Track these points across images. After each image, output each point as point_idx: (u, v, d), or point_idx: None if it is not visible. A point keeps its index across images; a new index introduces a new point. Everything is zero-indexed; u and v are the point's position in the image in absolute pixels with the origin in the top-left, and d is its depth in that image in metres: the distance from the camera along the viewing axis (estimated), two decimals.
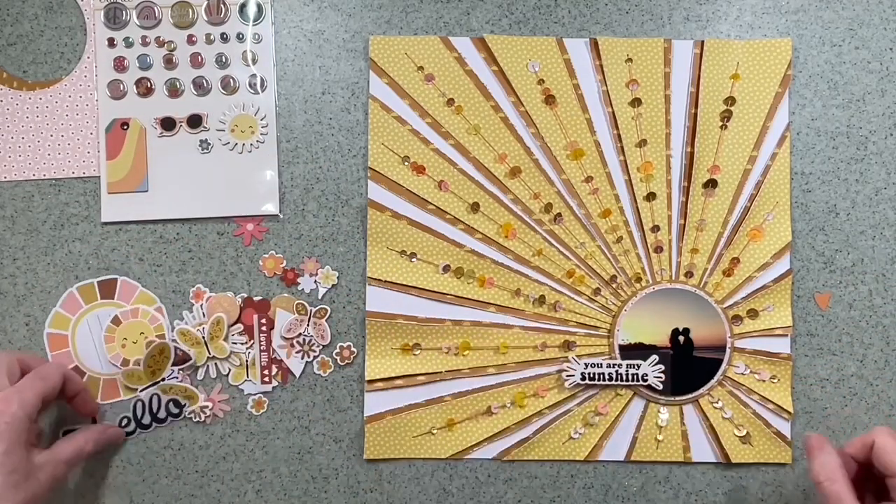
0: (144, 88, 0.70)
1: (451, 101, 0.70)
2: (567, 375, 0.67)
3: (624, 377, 0.67)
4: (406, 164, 0.69)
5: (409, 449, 0.69)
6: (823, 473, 0.56)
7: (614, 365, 0.67)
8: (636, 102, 0.69)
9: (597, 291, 0.69)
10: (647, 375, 0.65)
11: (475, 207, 0.69)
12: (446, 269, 0.69)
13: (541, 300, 0.69)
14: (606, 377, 0.67)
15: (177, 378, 0.68)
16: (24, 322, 0.69)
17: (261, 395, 0.69)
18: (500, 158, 0.70)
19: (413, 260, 0.69)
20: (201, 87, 0.69)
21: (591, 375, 0.67)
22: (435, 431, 0.69)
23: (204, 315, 0.69)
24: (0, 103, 0.69)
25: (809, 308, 0.69)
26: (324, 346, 0.69)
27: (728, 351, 0.69)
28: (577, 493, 0.69)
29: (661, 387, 0.67)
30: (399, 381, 0.69)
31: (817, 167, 0.69)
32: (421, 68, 0.69)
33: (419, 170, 0.69)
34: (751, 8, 0.70)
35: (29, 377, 0.60)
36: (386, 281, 0.69)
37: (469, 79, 0.70)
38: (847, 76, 0.70)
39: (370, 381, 0.69)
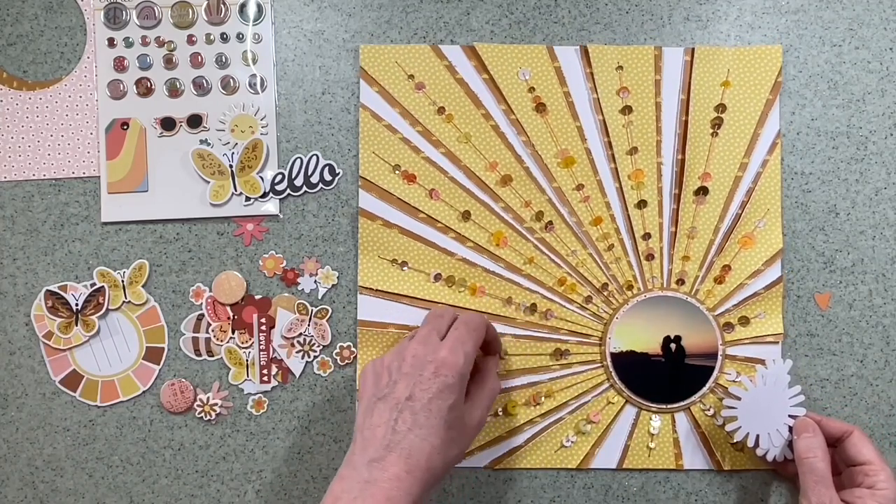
0: (144, 88, 0.70)
1: (441, 110, 0.69)
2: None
3: None
4: (397, 172, 0.69)
5: None
6: (808, 451, 0.62)
7: None
8: (627, 110, 0.69)
9: (588, 299, 0.69)
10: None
11: (466, 216, 0.69)
12: (438, 277, 0.69)
13: (532, 308, 0.69)
14: None
15: None
16: (23, 322, 0.69)
17: (261, 395, 0.69)
18: (491, 166, 0.69)
19: (405, 269, 0.69)
20: (201, 87, 0.70)
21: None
22: None
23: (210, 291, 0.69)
24: (0, 103, 0.69)
25: (809, 308, 0.69)
26: (324, 346, 0.69)
27: (719, 358, 0.69)
28: (577, 493, 0.69)
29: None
30: None
31: (817, 167, 0.69)
32: (411, 76, 0.69)
33: (410, 178, 0.69)
34: (751, 8, 0.70)
35: (462, 329, 0.60)
36: (377, 290, 0.69)
37: (459, 87, 0.69)
38: (847, 76, 0.69)
39: None
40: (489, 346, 0.65)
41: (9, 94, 0.69)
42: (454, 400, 0.57)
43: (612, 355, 0.69)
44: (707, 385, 0.68)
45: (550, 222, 0.69)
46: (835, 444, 0.64)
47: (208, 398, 0.69)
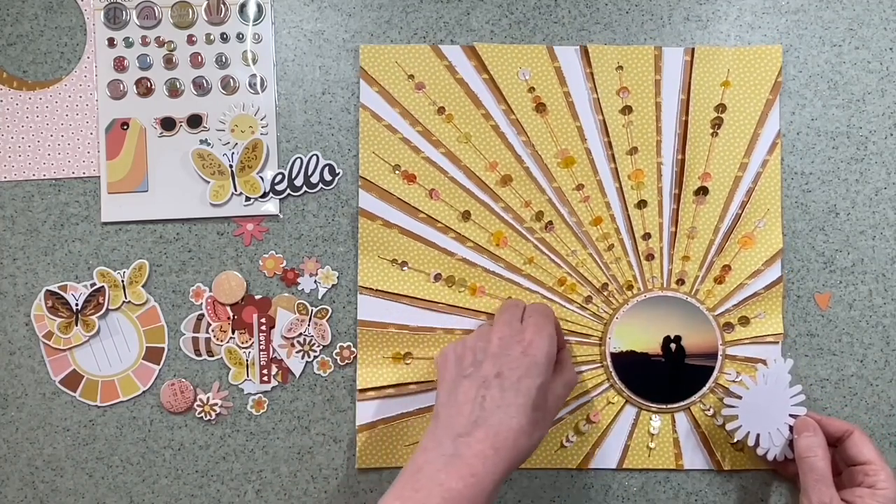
0: (144, 88, 0.70)
1: (441, 110, 0.69)
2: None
3: None
4: (397, 172, 0.69)
5: (401, 458, 0.68)
6: (809, 450, 0.62)
7: None
8: (627, 110, 0.69)
9: (588, 299, 0.69)
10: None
11: (466, 216, 0.69)
12: (438, 277, 0.69)
13: None
14: None
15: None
16: (23, 322, 0.69)
17: (261, 395, 0.69)
18: (491, 166, 0.69)
19: (404, 269, 0.69)
20: (201, 87, 0.70)
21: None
22: None
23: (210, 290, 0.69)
24: (0, 103, 0.69)
25: (809, 308, 0.69)
26: (324, 346, 0.69)
27: (720, 358, 0.68)
28: (577, 493, 0.69)
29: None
30: (390, 390, 0.69)
31: (817, 167, 0.69)
32: (411, 76, 0.69)
33: (410, 178, 0.69)
34: (751, 8, 0.70)
35: (537, 316, 0.61)
36: (377, 290, 0.69)
37: (459, 87, 0.69)
38: (847, 76, 0.69)
39: (362, 391, 0.68)
40: (558, 339, 0.64)
41: (9, 94, 0.69)
42: (543, 380, 0.57)
43: (612, 355, 0.69)
44: (707, 385, 0.68)
45: (550, 222, 0.69)
46: (835, 443, 0.64)
47: (208, 398, 0.69)
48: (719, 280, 0.69)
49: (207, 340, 0.69)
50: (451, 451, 0.55)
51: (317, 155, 0.69)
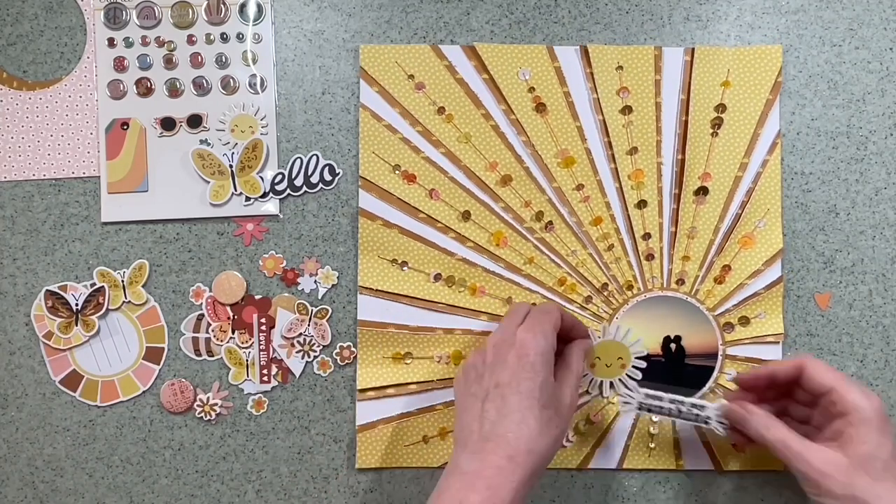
0: (144, 88, 0.70)
1: (441, 110, 0.69)
2: (624, 402, 0.66)
3: (687, 416, 0.64)
4: (397, 172, 0.69)
5: (401, 458, 0.68)
6: (763, 429, 0.59)
7: (676, 401, 0.64)
8: (627, 110, 0.69)
9: (588, 299, 0.69)
10: (710, 419, 0.63)
11: (466, 216, 0.69)
12: (438, 277, 0.69)
13: None
14: (666, 412, 0.64)
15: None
16: (24, 322, 0.69)
17: (261, 395, 0.69)
18: (491, 166, 0.69)
19: (404, 269, 0.69)
20: (201, 87, 0.70)
21: (649, 407, 0.65)
22: (427, 440, 0.69)
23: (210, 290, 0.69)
24: (0, 103, 0.69)
25: (809, 308, 0.69)
26: (324, 346, 0.69)
27: (720, 358, 0.68)
28: (577, 493, 0.69)
29: (722, 432, 0.63)
30: (391, 390, 0.69)
31: (817, 167, 0.69)
32: (411, 76, 0.69)
33: (410, 178, 0.69)
34: (751, 8, 0.70)
35: (535, 313, 0.61)
36: (377, 290, 0.69)
37: (460, 87, 0.69)
38: (847, 76, 0.69)
39: (362, 391, 0.68)
40: (572, 333, 0.64)
41: (9, 94, 0.69)
42: (542, 378, 0.57)
43: None
44: (707, 385, 0.68)
45: (550, 222, 0.69)
46: (787, 388, 0.63)
47: (208, 398, 0.69)
48: (719, 280, 0.69)
49: (207, 340, 0.69)
50: (466, 468, 0.55)
51: (317, 155, 0.69)
